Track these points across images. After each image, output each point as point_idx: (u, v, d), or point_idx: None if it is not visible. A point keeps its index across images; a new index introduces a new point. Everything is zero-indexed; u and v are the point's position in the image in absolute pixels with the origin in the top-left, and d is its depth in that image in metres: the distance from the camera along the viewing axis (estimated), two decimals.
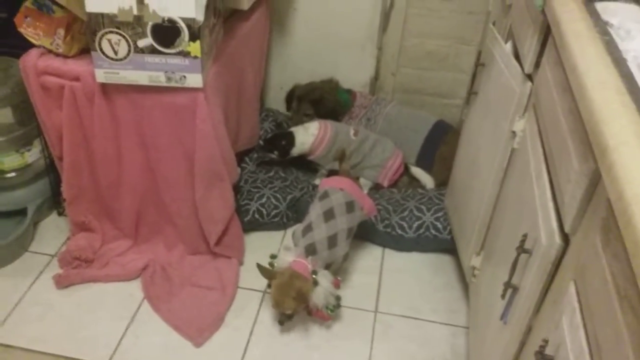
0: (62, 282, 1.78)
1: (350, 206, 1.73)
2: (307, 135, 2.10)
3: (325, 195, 1.75)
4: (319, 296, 1.59)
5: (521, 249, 1.02)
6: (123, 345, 1.63)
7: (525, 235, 1.04)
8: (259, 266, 1.64)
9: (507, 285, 1.08)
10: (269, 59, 2.32)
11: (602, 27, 0.96)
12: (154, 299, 1.75)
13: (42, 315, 1.70)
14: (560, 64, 1.01)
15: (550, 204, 0.98)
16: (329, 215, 1.69)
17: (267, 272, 1.64)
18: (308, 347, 1.65)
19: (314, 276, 1.60)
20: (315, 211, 1.72)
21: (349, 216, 1.71)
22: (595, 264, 0.76)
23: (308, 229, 1.68)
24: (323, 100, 2.23)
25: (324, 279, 1.62)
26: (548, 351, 0.86)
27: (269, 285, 1.65)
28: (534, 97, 1.23)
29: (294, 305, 1.58)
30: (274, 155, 2.11)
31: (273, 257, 1.69)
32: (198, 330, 1.66)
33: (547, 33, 1.18)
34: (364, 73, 2.33)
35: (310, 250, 1.64)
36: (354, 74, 2.30)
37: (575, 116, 0.90)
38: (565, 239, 0.92)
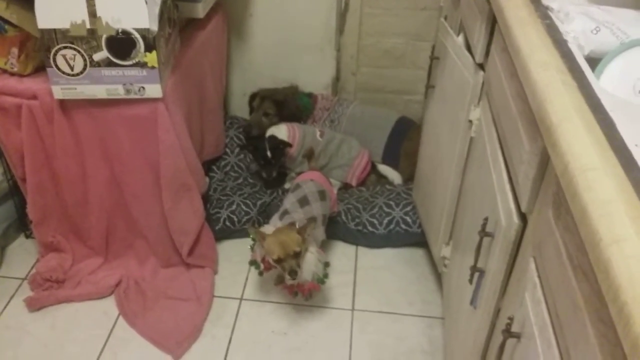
0: (34, 305, 1.75)
1: (322, 194, 1.76)
2: (282, 133, 2.12)
3: (297, 186, 1.79)
4: (310, 262, 1.59)
5: (483, 232, 1.05)
6: None
7: (486, 219, 1.07)
8: (252, 228, 1.62)
9: (474, 269, 1.11)
10: (229, 66, 2.33)
11: (542, 12, 1.00)
12: (129, 315, 1.73)
13: (17, 340, 1.67)
14: (506, 50, 1.04)
15: (507, 186, 1.00)
16: (303, 201, 1.71)
17: (259, 233, 1.60)
18: (288, 350, 1.66)
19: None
20: (289, 200, 1.74)
21: (323, 203, 1.74)
22: (550, 238, 0.78)
23: (284, 213, 1.70)
24: (286, 102, 2.24)
25: (311, 246, 1.62)
26: (514, 328, 0.89)
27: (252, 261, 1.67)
28: (487, 86, 1.26)
29: (300, 239, 1.54)
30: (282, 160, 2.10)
31: (254, 238, 1.67)
32: (176, 343, 1.65)
33: (493, 22, 1.22)
34: (325, 75, 2.35)
35: (292, 225, 1.64)
36: (315, 76, 2.31)
37: (523, 99, 0.93)
38: (523, 218, 0.94)
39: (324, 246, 1.78)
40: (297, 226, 1.62)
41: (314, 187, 1.76)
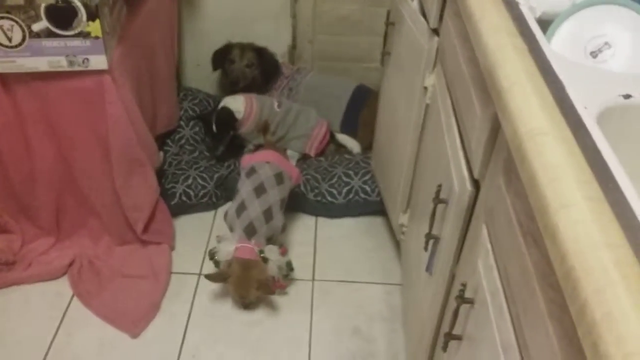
0: None
1: (279, 177, 1.72)
2: (238, 104, 2.07)
3: (252, 171, 1.73)
4: (273, 270, 1.62)
5: (437, 200, 1.04)
6: (56, 345, 1.57)
7: (440, 186, 1.06)
8: (208, 276, 1.62)
9: (428, 236, 1.10)
10: (181, 36, 2.25)
11: None
12: (84, 295, 1.69)
13: None
14: (459, 14, 1.02)
15: (460, 153, 1.00)
16: (260, 190, 1.68)
17: (219, 276, 1.63)
18: (249, 324, 1.64)
19: (262, 255, 1.60)
20: (245, 188, 1.70)
21: (280, 187, 1.71)
22: (501, 204, 0.78)
23: (241, 208, 1.66)
24: (265, 51, 2.20)
25: (272, 253, 1.63)
26: (467, 294, 0.89)
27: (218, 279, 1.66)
28: (441, 51, 1.25)
29: (259, 293, 1.61)
30: (229, 135, 2.06)
31: (213, 251, 1.66)
32: (133, 321, 1.62)
33: None
34: (281, 43, 2.29)
35: (250, 231, 1.62)
36: (271, 45, 2.25)
37: (475, 64, 0.92)
38: (476, 185, 0.94)
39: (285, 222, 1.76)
40: (256, 250, 1.60)
41: (270, 170, 1.72)
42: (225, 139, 2.05)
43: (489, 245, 0.83)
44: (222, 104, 2.08)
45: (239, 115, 2.06)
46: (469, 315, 0.88)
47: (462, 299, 0.87)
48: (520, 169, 0.64)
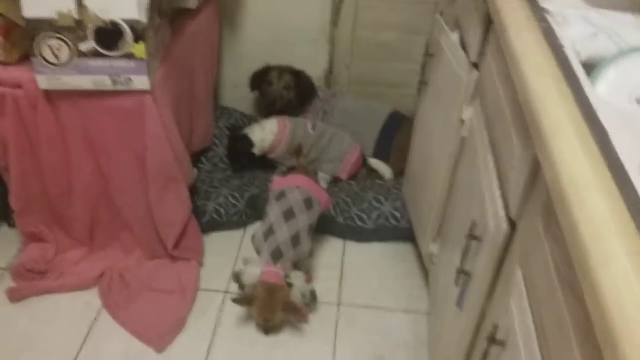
0: (15, 296, 1.72)
1: (308, 203, 1.73)
2: (265, 133, 2.09)
3: (282, 195, 1.74)
4: (296, 296, 1.62)
5: (471, 236, 1.04)
6: (82, 355, 1.59)
7: (474, 222, 1.06)
8: (235, 300, 1.64)
9: (460, 272, 1.09)
10: (221, 58, 2.30)
11: (540, 14, 0.98)
12: (112, 307, 1.71)
13: None
14: (501, 51, 1.02)
15: (497, 191, 0.99)
16: (289, 215, 1.68)
17: (245, 300, 1.64)
18: (272, 345, 1.65)
19: (287, 280, 1.61)
20: (274, 212, 1.71)
21: (309, 213, 1.72)
22: (538, 248, 0.77)
23: (270, 232, 1.67)
24: (303, 74, 2.24)
25: (297, 279, 1.64)
26: (499, 336, 0.88)
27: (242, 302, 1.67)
28: (480, 86, 1.25)
29: (284, 316, 1.62)
30: (245, 162, 2.12)
31: (239, 274, 1.68)
32: (159, 336, 1.63)
33: (489, 22, 1.20)
34: (318, 67, 2.32)
35: (277, 256, 1.63)
36: (308, 69, 2.28)
37: (517, 104, 0.92)
38: (512, 225, 0.93)
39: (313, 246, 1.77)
40: (282, 274, 1.62)
41: (300, 195, 1.72)
42: (239, 164, 2.13)
43: (523, 288, 0.82)
44: (245, 131, 2.12)
45: (263, 144, 2.09)
46: (500, 357, 0.87)
47: (493, 341, 0.86)
48: (561, 219, 0.63)
